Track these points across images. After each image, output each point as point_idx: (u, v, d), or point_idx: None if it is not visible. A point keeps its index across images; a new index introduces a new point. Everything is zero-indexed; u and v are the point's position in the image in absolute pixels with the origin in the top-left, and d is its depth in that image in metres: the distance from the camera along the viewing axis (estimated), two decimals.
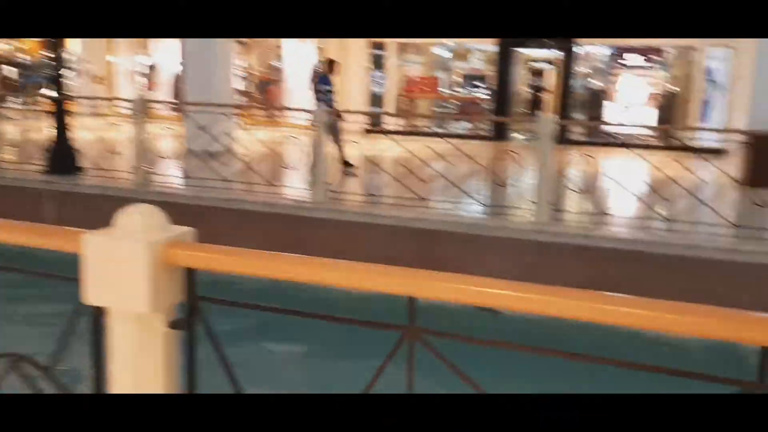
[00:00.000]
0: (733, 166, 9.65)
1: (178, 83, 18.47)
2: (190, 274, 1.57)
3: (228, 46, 12.02)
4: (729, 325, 1.12)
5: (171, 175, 8.91)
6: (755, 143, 9.63)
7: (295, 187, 8.53)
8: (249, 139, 9.46)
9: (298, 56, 18.11)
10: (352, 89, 16.75)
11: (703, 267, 6.30)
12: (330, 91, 10.21)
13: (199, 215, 7.75)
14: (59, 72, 9.09)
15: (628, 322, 1.18)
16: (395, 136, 9.98)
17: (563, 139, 14.11)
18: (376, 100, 16.89)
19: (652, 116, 15.45)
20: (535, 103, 20.24)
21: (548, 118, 6.97)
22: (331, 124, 9.92)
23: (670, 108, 15.31)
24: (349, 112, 12.99)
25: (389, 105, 16.92)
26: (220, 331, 1.65)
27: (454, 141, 9.99)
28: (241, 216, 7.84)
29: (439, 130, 15.66)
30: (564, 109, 15.24)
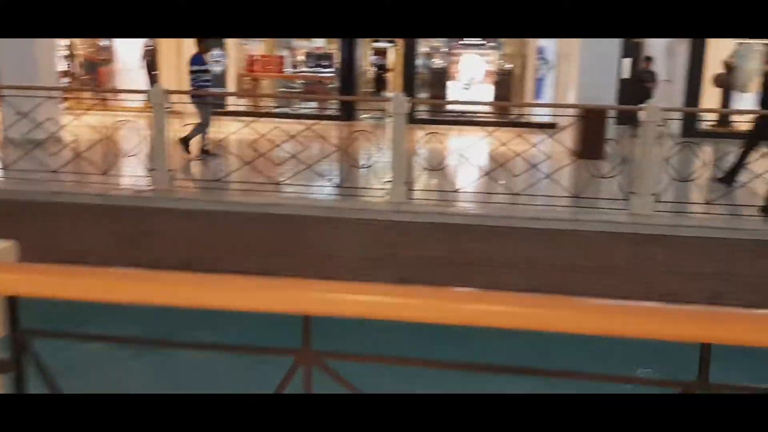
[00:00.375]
0: (566, 139, 10.18)
1: None
2: (12, 302, 1.22)
3: None
4: (668, 323, 1.00)
5: None
6: (586, 117, 10.28)
7: (135, 175, 7.87)
8: (78, 125, 8.56)
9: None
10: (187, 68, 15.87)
11: (549, 236, 6.59)
12: (201, 71, 9.56)
13: (24, 213, 6.91)
14: None
15: (559, 327, 1.03)
16: (242, 118, 9.53)
17: (410, 118, 14.31)
18: (217, 80, 16.11)
19: (490, 93, 16.07)
20: (380, 83, 20.40)
21: (401, 97, 6.91)
22: (202, 106, 9.26)
23: (506, 85, 16.02)
24: (183, 92, 12.24)
25: (231, 85, 16.22)
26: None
27: (302, 122, 9.75)
28: (75, 211, 7.08)
29: (287, 111, 15.26)
30: (408, 88, 15.42)
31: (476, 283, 6.63)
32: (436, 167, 8.07)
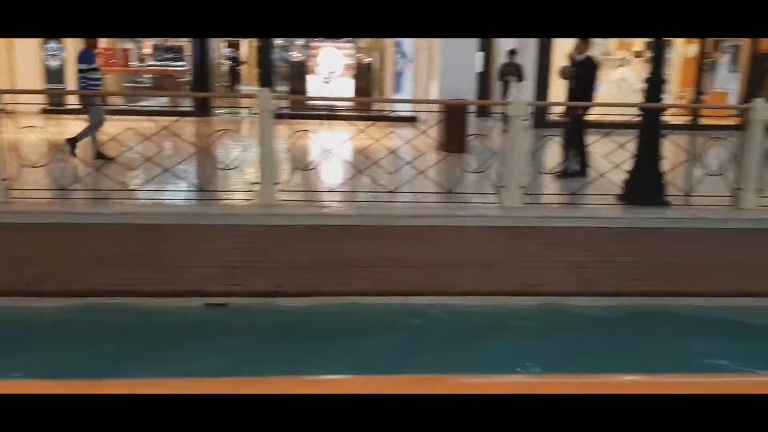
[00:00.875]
0: (430, 133, 10.17)
1: None
2: None
3: None
4: None
5: None
6: (449, 111, 10.39)
7: None
8: None
9: None
10: (21, 64, 14.32)
11: (428, 233, 6.51)
12: (89, 69, 8.49)
13: None
14: None
15: None
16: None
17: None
18: (54, 75, 14.69)
19: (350, 87, 15.95)
20: (234, 77, 19.63)
21: (267, 93, 6.51)
22: (92, 107, 8.36)
23: (366, 79, 15.96)
24: (19, 92, 11.00)
25: (70, 81, 14.84)
26: None
27: (154, 119, 9.02)
28: None
29: (137, 108, 14.20)
30: (266, 83, 14.93)
31: (358, 286, 6.42)
32: (307, 166, 7.74)
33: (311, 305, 6.36)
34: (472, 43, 11.03)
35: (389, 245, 6.43)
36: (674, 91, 14.16)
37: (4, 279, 6.10)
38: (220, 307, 6.41)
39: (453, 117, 10.35)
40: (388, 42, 15.67)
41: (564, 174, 8.20)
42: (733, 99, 13.81)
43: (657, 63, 6.97)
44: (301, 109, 14.68)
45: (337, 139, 9.41)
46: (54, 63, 14.70)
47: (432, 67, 12.77)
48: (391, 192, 6.64)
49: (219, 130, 8.66)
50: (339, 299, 6.37)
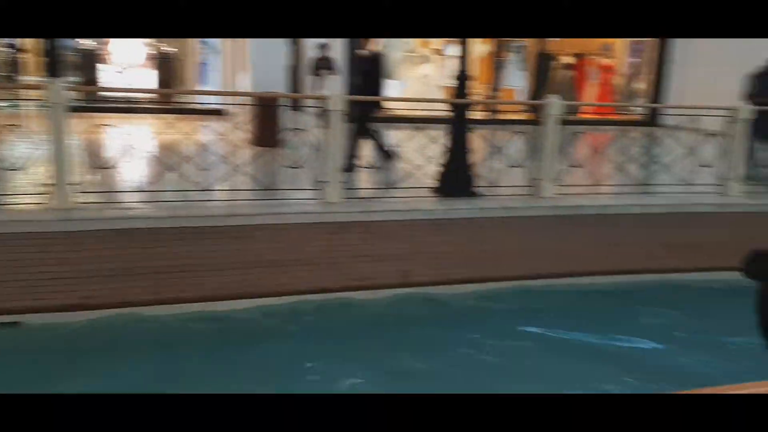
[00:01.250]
0: (237, 126, 9.74)
1: None
2: None
3: None
4: None
5: None
6: (261, 105, 10.09)
7: None
8: None
9: None
10: None
11: (248, 232, 6.24)
12: None
13: None
14: None
15: None
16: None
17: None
18: None
19: (151, 79, 14.92)
20: (14, 66, 17.50)
21: (58, 84, 5.79)
22: None
23: (168, 70, 15.03)
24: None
25: None
26: None
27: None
28: None
29: None
30: (52, 73, 13.50)
31: (170, 293, 5.97)
32: (107, 163, 7.04)
33: (101, 318, 5.80)
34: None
35: (206, 247, 6.06)
36: (476, 88, 15.08)
37: None
38: (11, 326, 5.63)
39: (265, 110, 10.09)
40: None
41: (350, 169, 8.25)
42: (521, 95, 14.99)
43: (463, 60, 7.28)
44: (99, 102, 13.44)
45: (140, 133, 8.71)
46: None
47: (240, 59, 12.35)
48: (204, 190, 6.26)
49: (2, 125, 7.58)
50: (144, 309, 5.89)
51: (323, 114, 6.77)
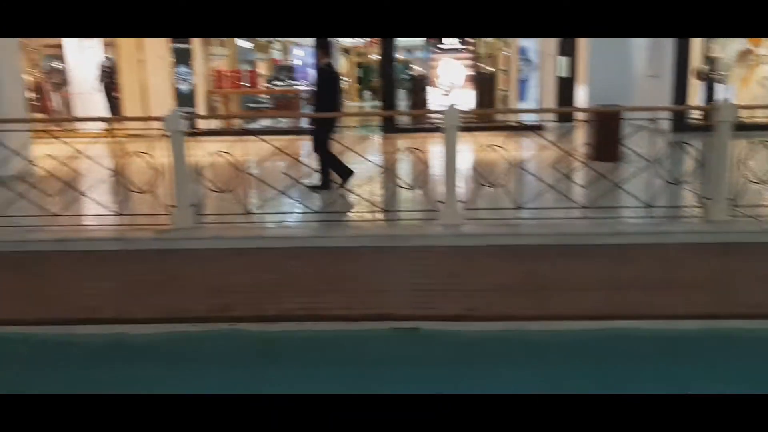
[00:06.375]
0: (559, 141, 9.55)
1: None
2: None
3: (12, 45, 9.63)
4: None
5: None
6: (599, 120, 9.89)
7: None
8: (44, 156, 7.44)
9: (82, 55, 15.61)
10: (153, 88, 14.81)
11: (623, 252, 6.06)
12: None
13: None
14: None
15: None
16: (216, 138, 8.53)
17: (391, 128, 13.71)
18: (184, 99, 15.10)
19: (471, 98, 15.61)
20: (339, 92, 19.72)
21: (454, 109, 6.26)
22: None
23: (489, 88, 15.60)
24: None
25: (200, 104, 15.24)
26: None
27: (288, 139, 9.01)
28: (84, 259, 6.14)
29: (256, 128, 14.38)
30: (387, 98, 14.89)
31: (553, 309, 6.04)
32: (493, 181, 7.36)
33: (503, 329, 6.02)
34: (627, 44, 10.47)
35: (582, 265, 6.02)
36: None
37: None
38: (411, 331, 6.17)
39: (606, 124, 9.86)
40: (511, 49, 15.27)
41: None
42: None
43: None
44: (422, 122, 14.38)
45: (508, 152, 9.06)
46: (184, 87, 15.13)
47: (576, 72, 12.27)
48: (584, 207, 6.24)
49: (411, 148, 8.25)
50: (532, 323, 6.01)
51: (706, 128, 6.34)
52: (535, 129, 12.54)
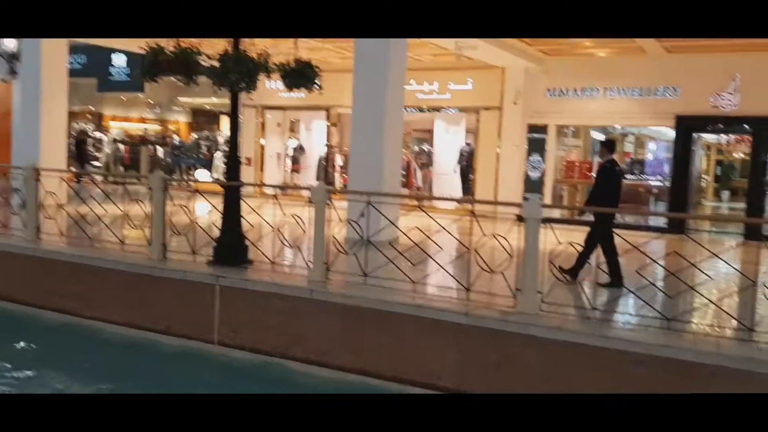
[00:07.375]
0: None
1: (326, 165, 18.16)
2: None
3: (396, 131, 11.22)
4: None
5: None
6: None
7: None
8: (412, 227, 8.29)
9: (446, 138, 17.40)
10: (504, 175, 15.65)
11: None
12: None
13: None
14: (230, 155, 8.51)
15: None
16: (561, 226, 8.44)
17: (756, 234, 12.23)
18: (533, 185, 15.68)
19: None
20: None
21: None
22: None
23: None
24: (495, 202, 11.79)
25: (547, 191, 15.65)
26: None
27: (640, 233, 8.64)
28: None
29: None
30: (755, 200, 13.54)
31: None
32: None
33: None
34: None
35: None
36: None
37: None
38: None
39: None
40: None
41: None
42: None
43: None
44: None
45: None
46: (534, 174, 15.71)
47: None
48: None
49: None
50: None
51: None
52: None
